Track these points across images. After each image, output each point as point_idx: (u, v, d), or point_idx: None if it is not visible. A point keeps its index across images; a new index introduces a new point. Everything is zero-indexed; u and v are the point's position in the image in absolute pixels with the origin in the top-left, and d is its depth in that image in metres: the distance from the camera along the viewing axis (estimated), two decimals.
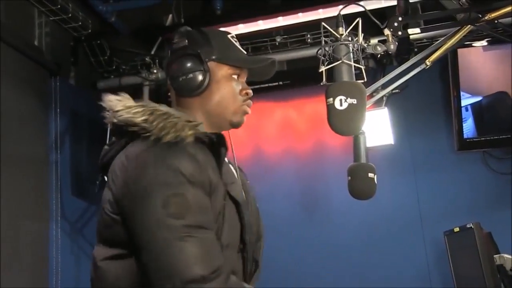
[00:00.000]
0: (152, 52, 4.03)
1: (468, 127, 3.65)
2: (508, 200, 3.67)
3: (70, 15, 3.60)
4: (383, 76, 3.07)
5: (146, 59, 4.01)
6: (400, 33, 2.14)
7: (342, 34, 1.87)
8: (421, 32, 2.32)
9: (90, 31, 3.83)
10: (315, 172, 4.09)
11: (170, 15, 4.01)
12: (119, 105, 1.58)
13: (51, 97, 3.63)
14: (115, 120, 1.58)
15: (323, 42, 1.89)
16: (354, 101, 1.81)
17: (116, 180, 1.50)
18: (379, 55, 2.21)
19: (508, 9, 2.15)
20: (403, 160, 3.90)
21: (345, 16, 2.13)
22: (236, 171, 1.76)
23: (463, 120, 3.64)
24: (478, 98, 3.65)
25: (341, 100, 1.81)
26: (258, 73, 1.78)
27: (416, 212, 3.84)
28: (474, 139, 3.66)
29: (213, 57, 1.66)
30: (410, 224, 3.84)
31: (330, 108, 1.83)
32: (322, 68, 1.88)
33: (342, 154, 3.90)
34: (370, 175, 2.50)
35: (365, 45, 1.91)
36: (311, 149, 4.11)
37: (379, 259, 3.83)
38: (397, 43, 2.13)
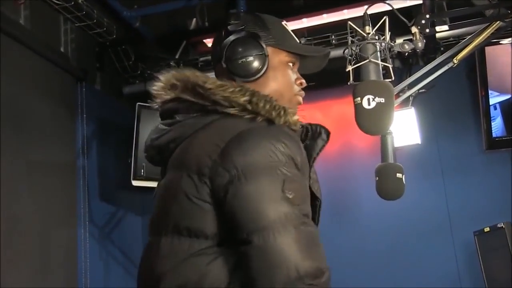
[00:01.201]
0: (177, 57, 4.04)
1: (497, 125, 3.60)
2: None
3: (95, 21, 3.62)
4: (410, 76, 3.04)
5: (171, 63, 4.02)
6: (427, 30, 2.12)
7: (369, 33, 1.84)
8: (449, 30, 2.29)
9: (115, 36, 3.86)
10: (342, 174, 4.06)
11: (194, 19, 4.02)
12: (208, 82, 1.47)
13: (77, 103, 3.65)
14: (187, 97, 1.48)
15: (349, 42, 1.87)
16: (382, 100, 1.79)
17: (208, 161, 1.35)
18: (406, 54, 2.19)
19: None
20: (430, 160, 3.86)
21: (370, 15, 2.12)
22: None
23: (492, 119, 3.59)
24: (507, 96, 3.60)
25: (369, 99, 1.79)
26: (310, 65, 1.69)
27: (445, 213, 3.80)
28: (503, 138, 3.60)
29: (271, 42, 1.58)
30: (438, 225, 3.80)
31: (358, 107, 1.81)
32: (349, 68, 1.86)
33: (370, 156, 3.87)
34: (398, 175, 2.47)
35: (392, 43, 1.88)
36: (338, 151, 4.09)
37: (408, 261, 3.79)
38: (424, 41, 2.11)
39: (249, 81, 1.55)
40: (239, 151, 1.32)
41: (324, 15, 3.58)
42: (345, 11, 3.51)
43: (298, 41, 1.69)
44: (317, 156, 1.51)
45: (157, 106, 1.60)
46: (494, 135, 3.60)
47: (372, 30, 1.88)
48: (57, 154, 3.47)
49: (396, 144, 2.68)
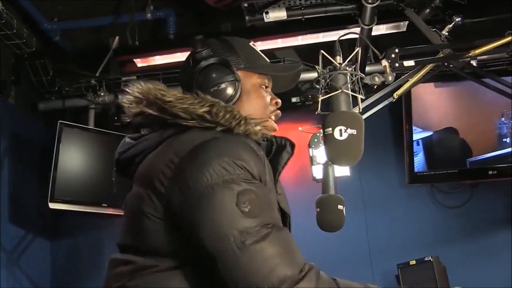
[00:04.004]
0: (97, 74, 3.87)
1: (419, 161, 3.72)
2: (455, 233, 3.76)
3: (15, 31, 3.39)
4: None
5: (92, 81, 3.85)
6: (397, 64, 2.14)
7: (340, 63, 1.82)
8: (415, 65, 2.33)
9: (34, 49, 3.63)
10: None
11: (117, 38, 3.87)
12: (167, 95, 1.42)
13: None
14: (149, 110, 1.43)
15: (320, 71, 1.83)
16: (354, 131, 1.76)
17: (162, 179, 1.32)
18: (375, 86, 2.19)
19: (488, 46, 2.21)
20: (353, 192, 3.90)
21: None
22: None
23: (415, 154, 3.70)
24: (429, 133, 3.73)
25: (341, 130, 1.75)
26: (281, 84, 1.68)
27: (365, 245, 3.85)
28: (424, 173, 3.72)
29: (241, 65, 1.55)
30: (358, 257, 3.84)
31: (329, 138, 1.77)
32: (320, 97, 1.82)
33: (291, 185, 3.86)
34: (340, 207, 2.47)
35: (363, 75, 1.87)
36: None
37: None
38: (394, 75, 2.13)
39: None
40: (192, 169, 1.29)
41: (259, 43, 3.55)
42: (279, 40, 3.51)
43: (267, 60, 1.67)
44: (282, 170, 1.50)
45: (128, 119, 1.55)
46: (416, 169, 3.70)
47: (343, 61, 1.85)
48: None
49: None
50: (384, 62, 2.12)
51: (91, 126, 3.75)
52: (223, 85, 1.50)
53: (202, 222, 1.25)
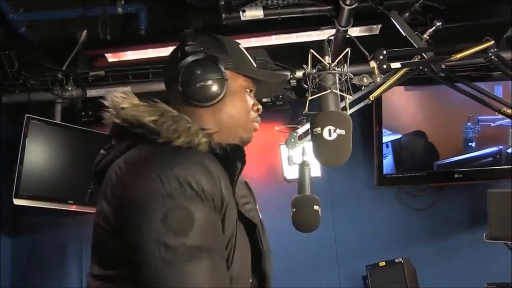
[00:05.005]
0: (64, 68, 3.78)
1: (388, 163, 3.75)
2: (421, 235, 3.81)
3: None
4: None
5: (58, 75, 3.76)
6: (385, 66, 2.15)
7: (329, 63, 1.81)
8: (401, 67, 2.34)
9: None
10: None
11: (84, 31, 3.79)
12: (125, 102, 1.41)
13: None
14: (117, 120, 1.41)
15: (310, 71, 1.82)
16: (343, 132, 1.76)
17: (112, 188, 1.33)
18: (363, 87, 2.19)
19: (470, 51, 2.25)
20: (323, 193, 3.89)
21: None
22: (251, 191, 1.62)
23: (384, 156, 3.74)
24: (398, 136, 3.77)
25: (330, 130, 1.75)
26: (266, 90, 1.67)
27: (332, 246, 3.86)
28: (393, 175, 3.77)
29: (230, 65, 1.51)
30: (325, 258, 3.86)
31: (318, 138, 1.77)
32: (309, 97, 1.81)
33: (260, 185, 3.85)
34: (316, 207, 2.46)
35: (352, 75, 1.87)
36: None
37: None
38: (383, 76, 2.14)
39: (205, 106, 1.49)
40: (130, 181, 1.30)
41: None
42: (253, 39, 3.48)
43: (254, 65, 1.65)
44: (237, 178, 1.44)
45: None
46: (384, 172, 3.74)
47: (328, 61, 1.85)
48: None
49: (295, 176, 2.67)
50: (373, 63, 2.12)
51: (57, 121, 3.66)
52: (209, 82, 1.47)
53: (130, 232, 1.26)
